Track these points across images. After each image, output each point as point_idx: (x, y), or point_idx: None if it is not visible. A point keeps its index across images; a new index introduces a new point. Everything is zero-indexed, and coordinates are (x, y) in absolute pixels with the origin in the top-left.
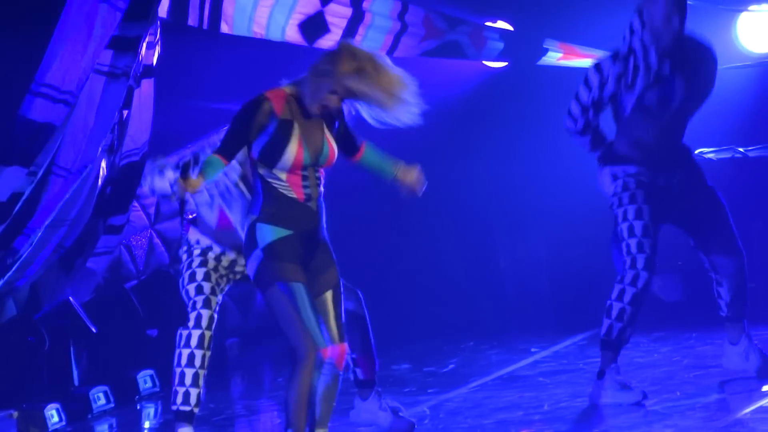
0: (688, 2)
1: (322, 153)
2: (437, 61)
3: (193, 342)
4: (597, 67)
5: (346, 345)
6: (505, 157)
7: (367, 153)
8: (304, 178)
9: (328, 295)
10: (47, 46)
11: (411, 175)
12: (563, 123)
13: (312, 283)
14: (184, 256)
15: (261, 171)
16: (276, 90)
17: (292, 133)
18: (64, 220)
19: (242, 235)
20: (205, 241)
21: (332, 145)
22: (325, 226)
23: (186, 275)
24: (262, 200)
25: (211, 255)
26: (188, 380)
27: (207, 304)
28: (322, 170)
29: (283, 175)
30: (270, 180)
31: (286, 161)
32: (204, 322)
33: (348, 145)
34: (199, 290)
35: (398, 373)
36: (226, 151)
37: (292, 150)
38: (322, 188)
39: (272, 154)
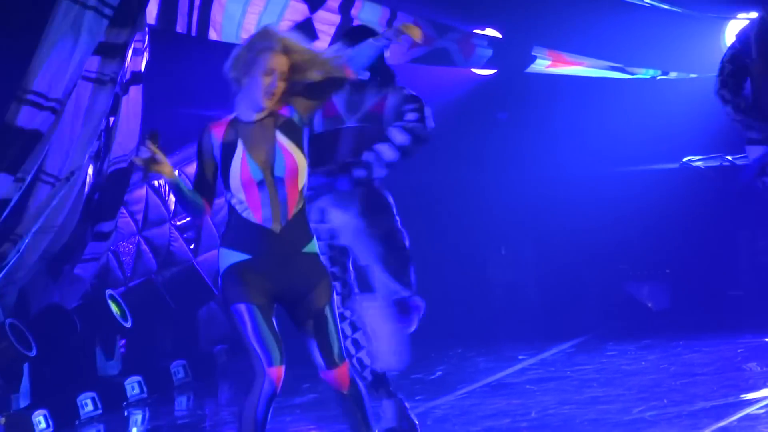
0: (677, 11)
1: (276, 163)
2: (426, 69)
3: None
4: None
5: (342, 366)
6: (493, 164)
7: (353, 62)
8: (263, 195)
9: (309, 324)
10: (34, 54)
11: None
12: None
13: (293, 312)
14: None
15: (227, 195)
16: (221, 120)
17: (235, 152)
18: (52, 226)
19: None
20: None
21: (290, 152)
22: (303, 249)
23: None
24: (226, 224)
25: None
26: None
27: None
28: (293, 185)
29: (242, 195)
30: (233, 203)
31: (234, 179)
32: None
33: (328, 84)
34: None
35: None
36: (201, 190)
37: (236, 166)
38: (295, 207)
39: (225, 173)
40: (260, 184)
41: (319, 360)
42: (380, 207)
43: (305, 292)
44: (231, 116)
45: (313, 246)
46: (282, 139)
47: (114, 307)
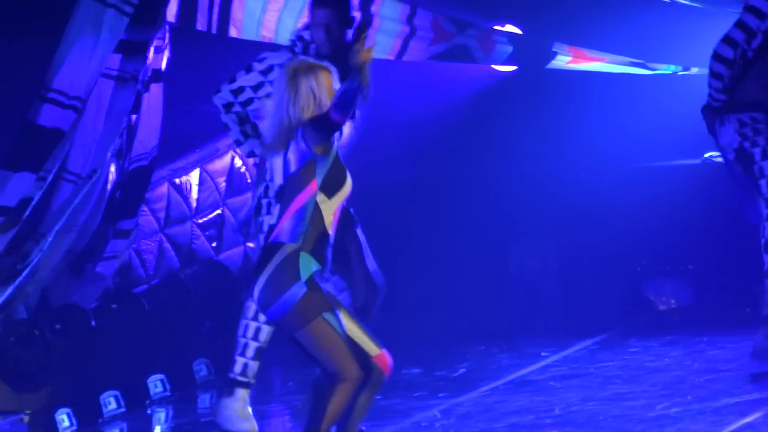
0: (698, 6)
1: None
2: (446, 65)
3: (261, 317)
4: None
5: (385, 352)
6: (514, 160)
7: None
8: (340, 212)
9: (345, 311)
10: (55, 52)
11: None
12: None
13: None
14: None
15: (319, 199)
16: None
17: (342, 162)
18: (74, 225)
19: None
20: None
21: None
22: None
23: None
24: (307, 229)
25: None
26: (250, 353)
27: None
28: None
29: (335, 207)
30: (323, 210)
31: (343, 192)
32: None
33: None
34: None
35: (409, 377)
36: None
37: (348, 180)
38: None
39: (335, 181)
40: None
41: (371, 346)
42: None
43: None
44: None
45: None
46: None
47: None
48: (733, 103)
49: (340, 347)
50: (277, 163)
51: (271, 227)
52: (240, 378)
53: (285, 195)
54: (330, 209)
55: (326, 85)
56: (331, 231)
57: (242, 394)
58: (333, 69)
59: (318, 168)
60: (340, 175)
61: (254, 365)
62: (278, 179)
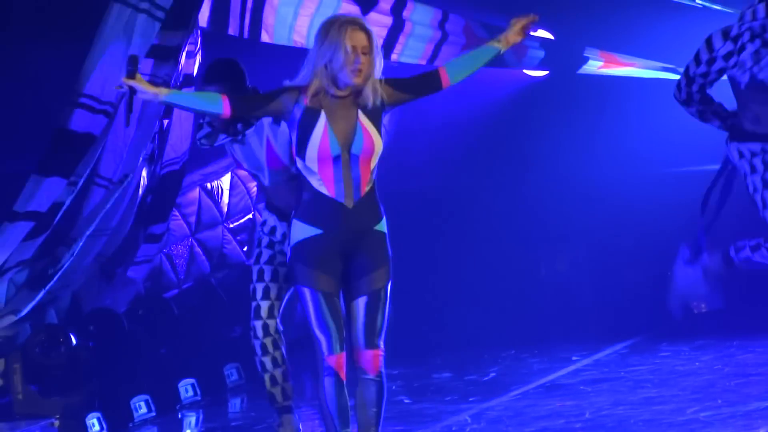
0: (729, 11)
1: (354, 141)
2: (477, 70)
3: (259, 333)
4: (708, 42)
5: (379, 351)
6: (545, 165)
7: (453, 72)
8: (336, 171)
9: (361, 301)
10: (86, 57)
11: (519, 29)
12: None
13: (348, 287)
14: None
15: (299, 165)
16: (306, 85)
17: (317, 121)
18: (106, 229)
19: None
20: (270, 221)
21: (369, 133)
22: (375, 226)
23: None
24: (300, 195)
25: (275, 239)
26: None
27: (266, 293)
28: (366, 164)
29: (315, 167)
30: (306, 174)
31: (312, 150)
32: (263, 313)
33: (422, 86)
34: (260, 276)
35: (439, 381)
36: (234, 99)
37: (317, 137)
38: (367, 185)
39: (300, 144)
40: (336, 159)
41: (360, 338)
42: None
43: (370, 269)
44: (314, 85)
45: (383, 225)
46: (363, 118)
47: None
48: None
49: (315, 322)
50: None
51: None
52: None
53: None
54: (311, 170)
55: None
56: (329, 191)
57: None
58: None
59: (290, 133)
60: (305, 135)
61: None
62: None
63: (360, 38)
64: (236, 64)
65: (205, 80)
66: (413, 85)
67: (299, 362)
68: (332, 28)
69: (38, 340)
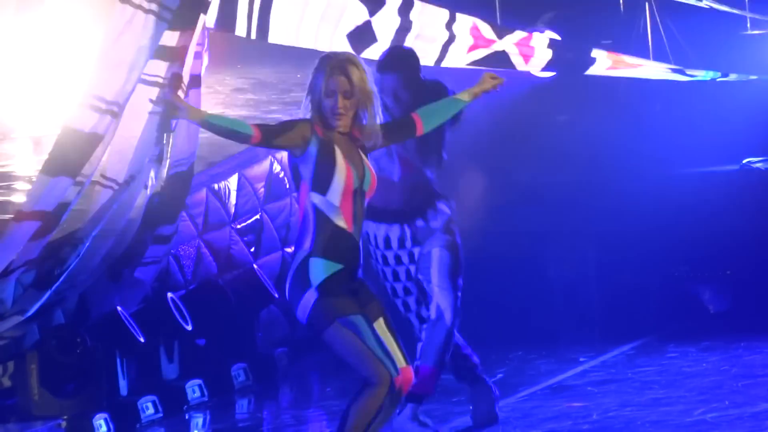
0: (737, 13)
1: (365, 176)
2: (485, 71)
3: None
4: None
5: (411, 368)
6: (552, 166)
7: (427, 121)
8: (354, 206)
9: (381, 321)
10: (93, 57)
11: (487, 85)
12: None
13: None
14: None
15: (315, 200)
16: (312, 118)
17: (336, 155)
18: (113, 231)
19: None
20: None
21: (372, 170)
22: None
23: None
24: (314, 232)
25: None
26: None
27: None
28: (365, 199)
29: (337, 201)
30: (323, 209)
31: (338, 183)
32: None
33: (399, 132)
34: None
35: (446, 382)
36: (264, 126)
37: (341, 170)
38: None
39: (323, 176)
40: (355, 194)
41: (399, 358)
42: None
43: (370, 299)
44: (315, 118)
45: None
46: (363, 155)
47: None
48: None
49: (363, 352)
50: None
51: None
52: None
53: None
54: (332, 205)
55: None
56: (348, 226)
57: None
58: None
59: (301, 169)
60: (327, 169)
61: None
62: None
63: (341, 82)
64: (413, 54)
65: (380, 68)
66: (392, 131)
67: (306, 364)
68: (319, 67)
69: (54, 341)
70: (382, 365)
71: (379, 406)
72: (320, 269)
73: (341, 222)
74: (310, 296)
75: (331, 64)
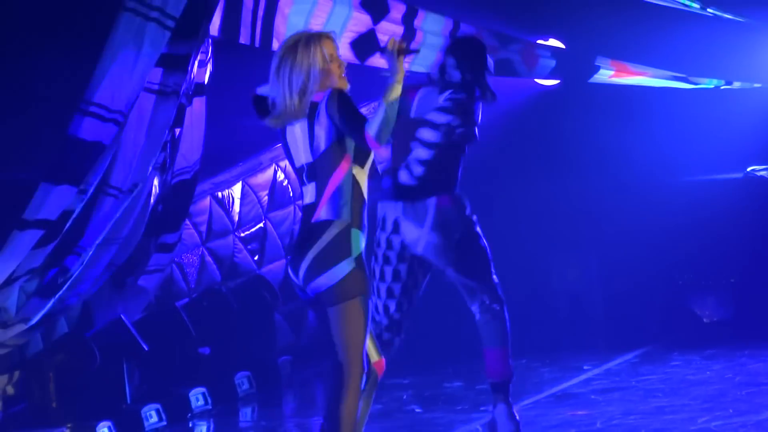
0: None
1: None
2: (490, 79)
3: None
4: None
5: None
6: (555, 174)
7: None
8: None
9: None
10: (96, 66)
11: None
12: None
13: None
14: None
15: (355, 172)
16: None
17: None
18: (116, 238)
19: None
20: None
21: None
22: None
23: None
24: (351, 204)
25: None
26: None
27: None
28: None
29: (366, 175)
30: (360, 182)
31: (370, 157)
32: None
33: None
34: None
35: (450, 390)
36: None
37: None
38: None
39: (363, 152)
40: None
41: (373, 351)
42: (452, 219)
43: None
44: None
45: None
46: None
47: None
48: None
49: (361, 336)
50: (300, 140)
51: (310, 206)
52: None
53: (319, 172)
54: (364, 177)
55: (329, 52)
56: (366, 197)
57: None
58: (334, 35)
59: (348, 142)
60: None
61: None
62: (305, 157)
63: (333, 46)
64: (481, 43)
65: (449, 51)
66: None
67: (309, 372)
68: (302, 46)
69: (54, 349)
70: (362, 357)
71: (358, 398)
72: (359, 241)
73: (366, 196)
74: (347, 265)
75: (312, 36)
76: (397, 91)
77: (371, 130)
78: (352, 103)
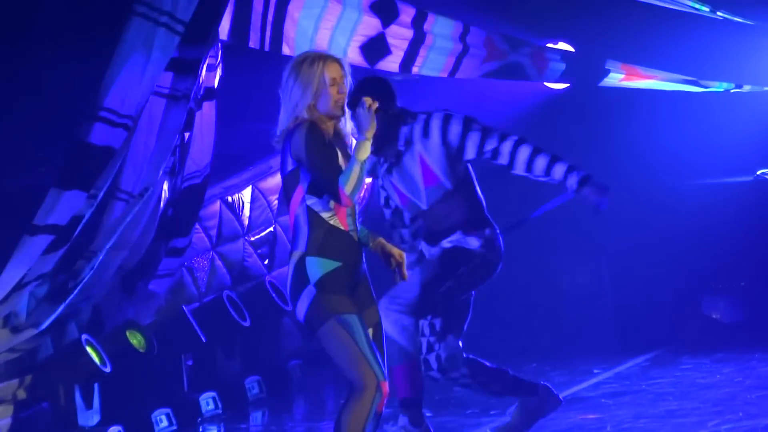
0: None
1: None
2: (498, 82)
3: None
4: None
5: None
6: None
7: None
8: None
9: (375, 329)
10: (106, 71)
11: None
12: None
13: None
14: None
15: (309, 202)
16: (307, 119)
17: (337, 158)
18: (126, 243)
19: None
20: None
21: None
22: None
23: None
24: (308, 233)
25: None
26: None
27: None
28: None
29: (332, 203)
30: (318, 210)
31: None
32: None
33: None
34: None
35: (460, 394)
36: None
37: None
38: (357, 217)
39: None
40: None
41: (379, 371)
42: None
43: (368, 304)
44: (316, 116)
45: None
46: (349, 152)
47: (92, 353)
48: None
49: (355, 352)
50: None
51: None
52: None
53: (286, 198)
54: (327, 206)
55: (331, 75)
56: (342, 225)
57: None
58: (344, 62)
59: (302, 173)
60: None
61: None
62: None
63: (338, 69)
64: (388, 84)
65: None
66: None
67: (319, 376)
68: (306, 64)
69: (65, 355)
70: (370, 369)
71: (369, 412)
72: (317, 267)
73: (335, 221)
74: (308, 293)
75: (320, 56)
76: (368, 148)
77: (347, 187)
78: (322, 148)
